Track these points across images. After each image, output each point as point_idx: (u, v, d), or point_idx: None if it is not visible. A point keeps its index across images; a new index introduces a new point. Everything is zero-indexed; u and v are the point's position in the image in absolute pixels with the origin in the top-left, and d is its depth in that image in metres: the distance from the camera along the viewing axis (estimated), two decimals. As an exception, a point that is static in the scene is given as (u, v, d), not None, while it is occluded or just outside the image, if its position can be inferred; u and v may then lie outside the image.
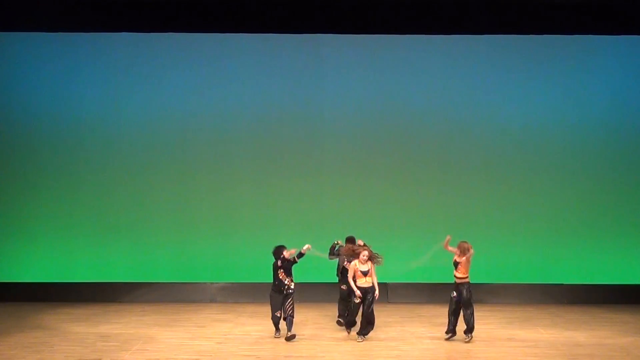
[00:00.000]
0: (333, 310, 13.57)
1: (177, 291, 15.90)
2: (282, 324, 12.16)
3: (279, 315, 12.14)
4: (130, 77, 15.93)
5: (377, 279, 11.94)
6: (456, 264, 12.10)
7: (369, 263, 11.82)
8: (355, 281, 11.77)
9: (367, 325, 11.88)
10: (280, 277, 12.08)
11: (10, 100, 15.91)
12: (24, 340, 11.84)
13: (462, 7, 15.53)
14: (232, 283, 15.93)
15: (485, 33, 15.85)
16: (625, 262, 15.68)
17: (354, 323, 12.07)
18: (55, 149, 15.85)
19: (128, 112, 15.91)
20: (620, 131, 15.83)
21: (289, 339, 11.86)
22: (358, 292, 11.69)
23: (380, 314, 13.68)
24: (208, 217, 15.83)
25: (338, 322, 12.85)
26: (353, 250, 12.02)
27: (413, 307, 14.36)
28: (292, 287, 12.10)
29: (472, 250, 12.07)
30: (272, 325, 12.24)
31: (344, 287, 12.50)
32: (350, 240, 12.76)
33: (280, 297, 12.10)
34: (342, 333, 12.18)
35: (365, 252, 11.81)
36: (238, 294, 15.87)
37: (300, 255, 12.13)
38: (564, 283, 15.85)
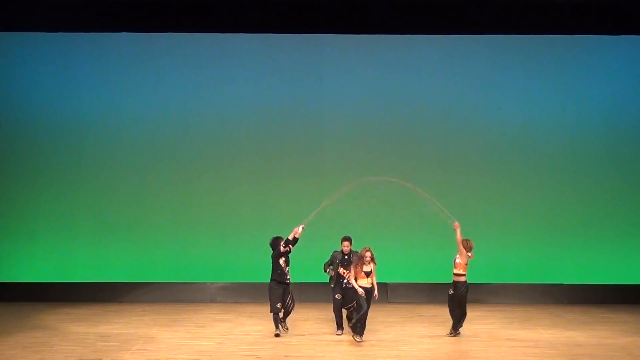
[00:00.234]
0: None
1: (177, 291, 15.90)
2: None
3: (280, 306, 12.22)
4: (130, 77, 15.93)
5: (377, 278, 11.90)
6: (455, 261, 12.23)
7: (372, 265, 11.76)
8: (355, 280, 11.75)
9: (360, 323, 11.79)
10: (282, 266, 12.30)
11: (10, 100, 15.92)
12: (24, 340, 11.84)
13: (462, 7, 15.53)
14: (232, 283, 15.93)
15: (485, 33, 15.86)
16: (625, 262, 15.68)
17: (364, 326, 11.73)
18: (55, 149, 15.86)
19: (128, 112, 15.92)
20: (620, 131, 15.84)
21: (286, 329, 12.23)
22: (361, 290, 11.60)
23: (380, 314, 13.70)
24: (208, 217, 15.84)
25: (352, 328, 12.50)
26: (361, 257, 11.84)
27: (413, 307, 14.36)
28: (289, 277, 12.38)
29: (471, 254, 12.17)
30: (272, 322, 12.30)
31: (338, 296, 12.24)
32: (347, 239, 12.40)
33: (280, 290, 12.24)
34: (343, 334, 12.14)
35: (369, 253, 11.75)
36: (238, 294, 15.88)
37: (296, 240, 12.49)
38: (564, 283, 15.85)
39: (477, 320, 13.48)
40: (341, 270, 12.15)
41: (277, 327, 12.27)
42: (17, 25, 15.73)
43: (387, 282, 14.87)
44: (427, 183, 15.84)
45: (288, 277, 12.34)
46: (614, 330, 12.92)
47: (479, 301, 15.08)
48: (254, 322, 13.45)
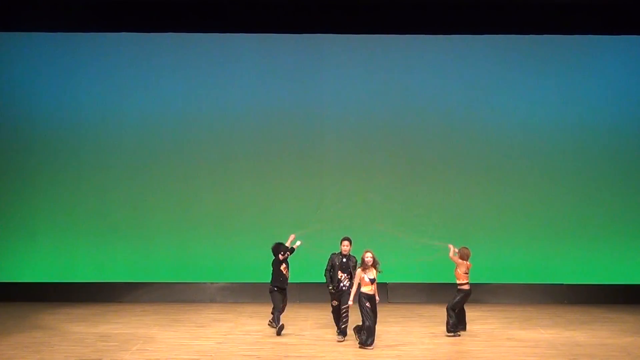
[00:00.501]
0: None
1: (177, 291, 15.90)
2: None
3: (282, 307, 12.51)
4: (130, 77, 15.94)
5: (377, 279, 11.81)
6: (456, 272, 12.39)
7: (374, 271, 11.42)
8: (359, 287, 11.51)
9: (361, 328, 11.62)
10: (284, 273, 12.43)
11: (10, 100, 15.92)
12: (24, 340, 11.84)
13: (462, 7, 15.53)
14: (232, 283, 15.94)
15: (485, 33, 15.86)
16: (625, 262, 15.69)
17: (374, 331, 11.49)
18: (55, 148, 15.87)
19: (128, 112, 15.92)
20: (621, 131, 15.85)
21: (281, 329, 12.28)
22: (351, 302, 11.44)
23: (380, 314, 13.61)
24: (208, 217, 15.84)
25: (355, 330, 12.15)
26: (363, 260, 11.51)
27: (413, 307, 14.37)
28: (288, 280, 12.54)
29: (469, 263, 12.22)
30: (273, 322, 12.45)
31: (334, 302, 11.90)
32: (347, 239, 12.06)
33: (281, 295, 12.44)
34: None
35: (369, 254, 11.41)
36: (238, 294, 15.88)
37: (293, 250, 12.53)
38: (564, 283, 15.86)
39: (477, 320, 13.47)
40: (339, 274, 11.80)
41: (276, 321, 12.41)
42: (17, 25, 15.73)
43: (387, 282, 14.87)
44: (427, 183, 15.92)
45: (287, 282, 12.61)
46: (614, 330, 12.91)
47: (479, 301, 15.07)
48: (254, 322, 13.45)
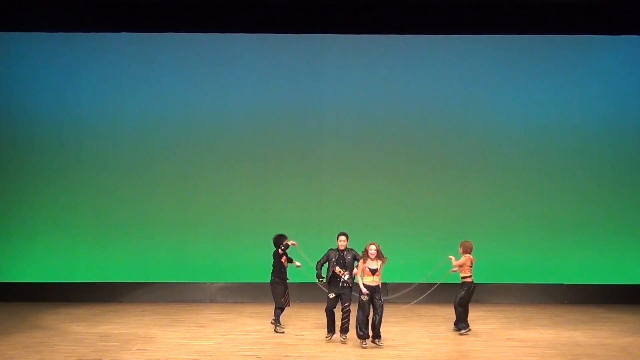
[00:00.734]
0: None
1: (177, 291, 15.90)
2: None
3: (284, 302, 12.53)
4: (130, 77, 15.93)
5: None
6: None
7: (378, 262, 11.38)
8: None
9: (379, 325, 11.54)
10: (285, 264, 12.53)
11: (10, 100, 15.91)
12: (24, 340, 11.84)
13: (462, 7, 15.52)
14: (232, 283, 15.93)
15: (485, 33, 15.85)
16: (625, 262, 15.68)
17: (367, 336, 11.48)
18: (55, 148, 15.85)
19: (128, 112, 15.92)
20: (621, 131, 15.84)
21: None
22: (365, 290, 11.29)
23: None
24: (208, 217, 15.84)
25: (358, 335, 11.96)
26: (367, 252, 11.46)
27: (413, 307, 14.35)
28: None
29: (471, 257, 12.29)
30: (274, 317, 12.53)
31: (332, 295, 11.71)
32: (344, 234, 11.91)
33: (283, 287, 12.51)
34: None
35: (373, 246, 11.34)
36: (238, 294, 15.88)
37: (287, 246, 12.59)
38: (564, 283, 15.85)
39: (477, 320, 13.46)
40: (337, 269, 11.64)
41: (277, 321, 12.49)
42: (17, 25, 15.72)
43: (387, 282, 14.86)
44: (427, 183, 15.92)
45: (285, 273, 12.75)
46: (614, 330, 12.91)
47: (479, 301, 15.05)
48: (254, 322, 13.45)
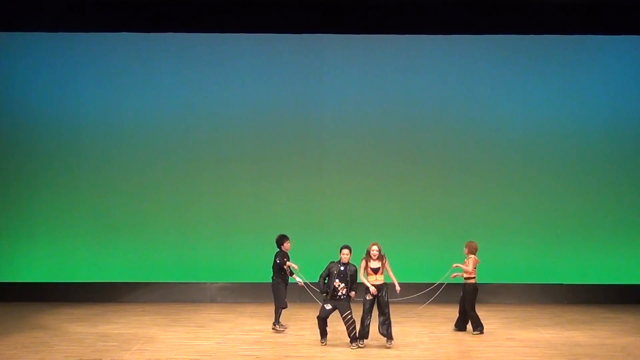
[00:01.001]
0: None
1: (177, 291, 15.90)
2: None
3: (286, 303, 12.52)
4: (130, 77, 15.93)
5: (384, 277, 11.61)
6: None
7: (380, 261, 11.40)
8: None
9: (388, 325, 11.55)
10: (287, 271, 12.52)
11: (10, 100, 15.92)
12: (24, 340, 11.84)
13: (462, 7, 15.52)
14: (232, 283, 15.93)
15: (485, 33, 15.86)
16: (625, 262, 15.68)
17: (366, 335, 11.49)
18: (55, 148, 15.86)
19: (128, 111, 15.92)
20: (621, 131, 15.85)
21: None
22: (373, 288, 11.27)
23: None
24: (208, 217, 15.84)
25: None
26: (368, 252, 11.48)
27: (413, 307, 14.34)
28: None
29: (476, 258, 12.33)
30: (275, 319, 12.54)
31: (327, 305, 11.43)
32: (347, 247, 11.52)
33: (284, 287, 12.50)
34: (343, 333, 11.94)
35: (375, 247, 11.39)
36: (238, 294, 15.88)
37: (284, 263, 12.54)
38: (564, 283, 15.85)
39: (477, 320, 13.47)
40: (336, 282, 11.37)
41: (277, 322, 12.51)
42: (17, 25, 15.72)
43: (387, 281, 14.83)
44: (427, 183, 15.92)
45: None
46: (614, 330, 12.91)
47: (479, 301, 14.91)
48: (254, 322, 13.45)
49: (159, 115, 15.91)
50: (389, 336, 11.50)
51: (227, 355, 11.03)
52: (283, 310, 12.61)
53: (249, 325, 13.26)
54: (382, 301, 11.43)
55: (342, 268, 11.43)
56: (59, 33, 15.81)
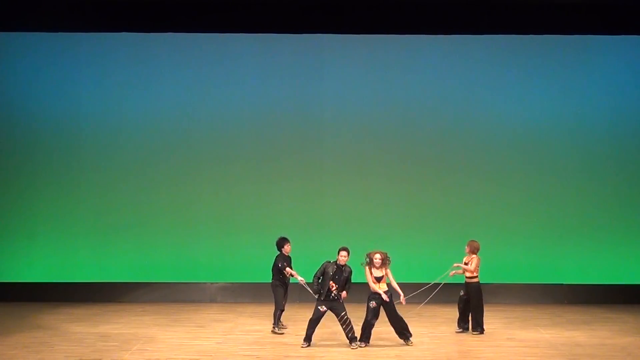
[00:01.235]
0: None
1: (177, 291, 15.90)
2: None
3: (284, 304, 12.50)
4: (130, 77, 15.94)
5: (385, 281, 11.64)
6: (465, 263, 12.43)
7: (383, 269, 11.46)
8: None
9: (404, 329, 11.66)
10: (287, 276, 12.48)
11: (10, 100, 15.92)
12: (24, 340, 11.84)
13: (462, 7, 15.52)
14: (232, 283, 15.94)
15: (485, 33, 15.86)
16: (625, 262, 15.68)
17: (367, 340, 11.52)
18: (55, 148, 15.86)
19: (128, 112, 15.92)
20: (621, 131, 15.85)
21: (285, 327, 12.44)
22: (385, 296, 11.30)
23: (380, 314, 13.66)
24: (208, 217, 15.85)
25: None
26: (371, 260, 11.49)
27: (413, 307, 14.33)
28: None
29: (478, 257, 12.33)
30: (274, 321, 12.51)
31: (322, 307, 11.36)
32: (345, 249, 11.47)
33: (284, 289, 12.49)
34: (342, 334, 11.85)
35: (378, 255, 11.43)
36: (238, 294, 15.88)
37: (284, 267, 12.48)
38: (564, 283, 15.85)
39: (477, 320, 13.47)
40: (331, 283, 11.32)
41: (276, 324, 12.49)
42: (17, 25, 15.72)
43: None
44: (427, 183, 15.92)
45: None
46: (614, 330, 12.91)
47: (479, 301, 15.07)
48: (254, 322, 13.45)
49: (158, 115, 15.92)
50: (407, 337, 11.65)
51: (227, 355, 11.03)
52: (282, 312, 12.60)
53: (249, 325, 13.26)
54: (388, 308, 11.49)
55: (337, 269, 11.39)
56: (59, 33, 15.82)
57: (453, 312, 12.97)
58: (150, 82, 15.93)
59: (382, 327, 12.53)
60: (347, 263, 11.46)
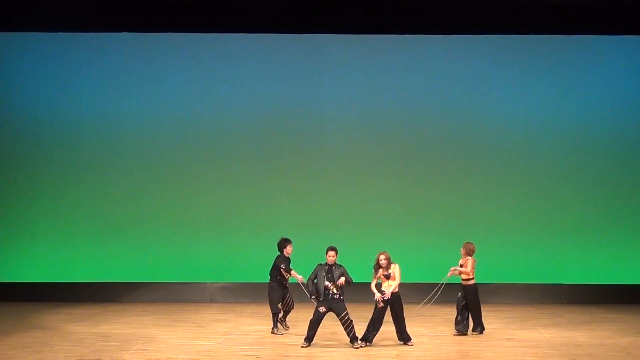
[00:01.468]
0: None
1: (177, 291, 15.90)
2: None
3: (280, 307, 12.35)
4: (131, 77, 15.95)
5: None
6: (461, 265, 12.39)
7: (391, 267, 11.45)
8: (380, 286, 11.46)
9: (404, 330, 11.68)
10: (286, 277, 12.37)
11: (10, 100, 15.93)
12: (24, 340, 11.83)
13: (462, 7, 15.53)
14: (232, 283, 15.94)
15: (485, 33, 15.86)
16: (625, 262, 15.68)
17: (369, 340, 11.51)
18: (55, 149, 15.87)
19: (128, 112, 15.93)
20: (620, 131, 15.85)
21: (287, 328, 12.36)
22: (378, 295, 11.26)
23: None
24: (208, 217, 15.85)
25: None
26: (377, 262, 11.48)
27: (413, 307, 14.34)
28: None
29: (474, 259, 12.31)
30: (272, 323, 12.43)
31: (322, 309, 11.31)
32: (333, 249, 11.45)
33: (281, 291, 12.39)
34: (343, 334, 11.87)
35: (383, 256, 11.42)
36: (238, 294, 15.88)
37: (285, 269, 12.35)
38: (564, 283, 15.86)
39: (477, 320, 13.47)
40: (326, 284, 11.29)
41: (275, 326, 12.40)
42: (17, 25, 15.73)
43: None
44: (427, 183, 15.92)
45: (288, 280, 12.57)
46: (614, 330, 12.91)
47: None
48: (254, 322, 13.45)
49: (159, 115, 15.92)
50: (407, 338, 11.63)
51: (227, 355, 11.03)
52: (278, 315, 12.46)
53: (249, 325, 13.26)
54: (396, 307, 11.50)
55: (328, 269, 11.37)
56: (59, 33, 15.82)
57: (453, 313, 12.93)
58: (151, 82, 15.94)
59: (382, 327, 12.52)
60: (339, 263, 11.42)
